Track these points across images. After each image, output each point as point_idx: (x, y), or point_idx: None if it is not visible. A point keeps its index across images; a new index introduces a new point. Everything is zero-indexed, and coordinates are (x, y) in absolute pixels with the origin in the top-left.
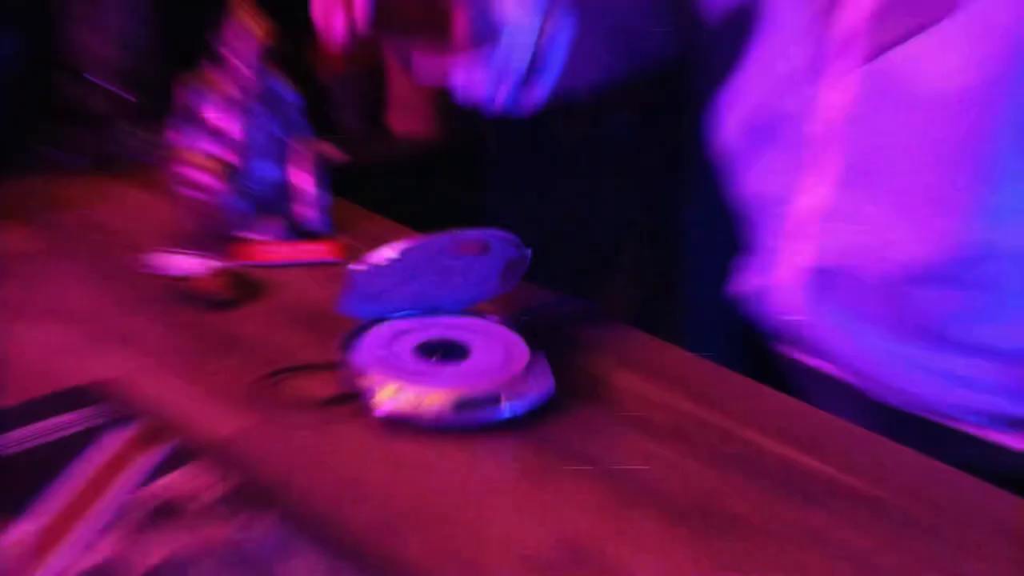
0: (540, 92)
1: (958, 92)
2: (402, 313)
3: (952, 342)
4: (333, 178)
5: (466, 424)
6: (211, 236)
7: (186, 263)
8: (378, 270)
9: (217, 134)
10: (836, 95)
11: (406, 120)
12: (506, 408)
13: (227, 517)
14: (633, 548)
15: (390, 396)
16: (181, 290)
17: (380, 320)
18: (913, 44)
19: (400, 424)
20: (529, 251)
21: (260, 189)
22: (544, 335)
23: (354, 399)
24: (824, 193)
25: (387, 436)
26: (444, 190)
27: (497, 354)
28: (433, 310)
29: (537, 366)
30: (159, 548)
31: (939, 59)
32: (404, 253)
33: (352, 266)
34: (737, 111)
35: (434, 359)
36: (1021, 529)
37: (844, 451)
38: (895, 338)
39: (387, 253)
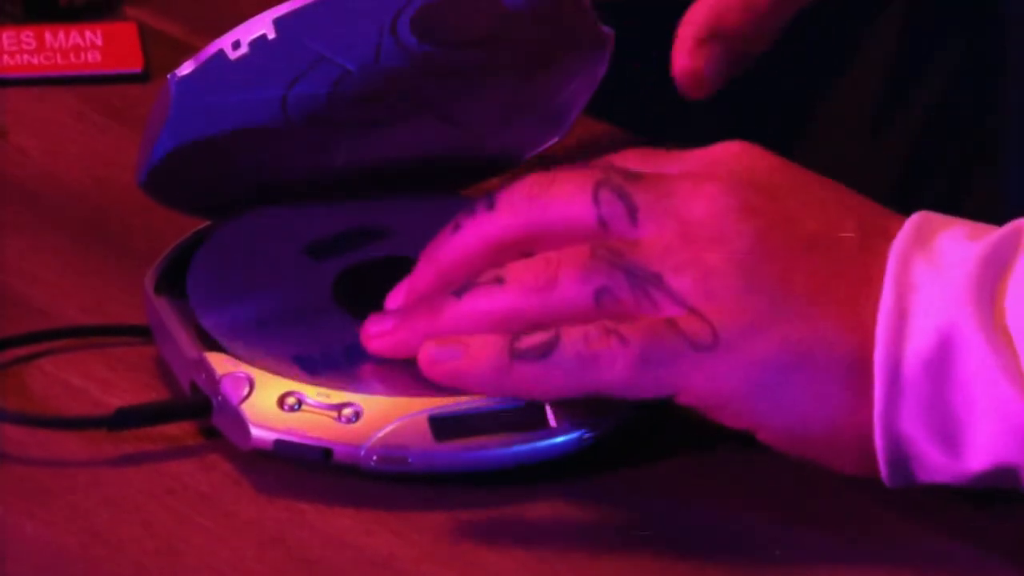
0: None
1: None
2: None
3: None
4: None
5: (463, 468)
6: None
7: None
8: (232, 78)
9: None
10: None
11: None
12: (564, 430)
13: None
14: None
15: (275, 408)
16: None
17: (244, 212)
18: None
19: (306, 470)
20: (611, 31)
21: None
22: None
23: (191, 413)
24: None
25: (274, 501)
26: None
27: None
28: (374, 186)
29: None
30: None
31: None
32: (285, 27)
33: (175, 74)
34: None
35: None
36: None
37: None
38: None
39: (250, 33)
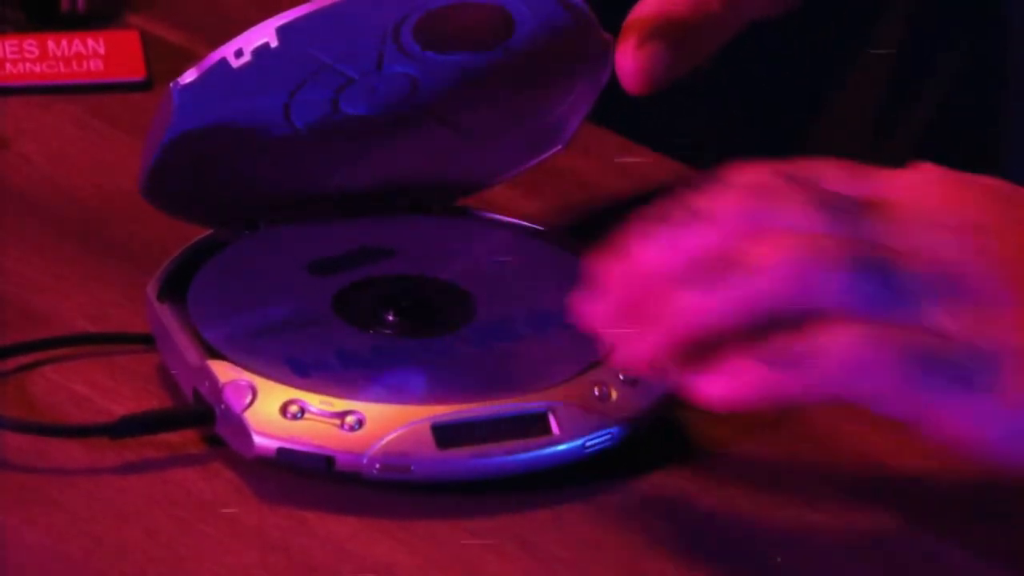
0: None
1: None
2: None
3: None
4: None
5: (465, 476)
6: None
7: None
8: (234, 86)
9: None
10: None
11: None
12: (566, 439)
13: None
14: None
15: (278, 416)
16: None
17: (246, 227)
18: None
19: (309, 478)
20: (613, 38)
21: None
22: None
23: (194, 421)
24: None
25: (276, 508)
26: None
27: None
28: (376, 196)
29: None
30: None
31: None
32: (288, 36)
33: (178, 82)
34: None
35: (388, 327)
36: None
37: None
38: None
39: (253, 41)
